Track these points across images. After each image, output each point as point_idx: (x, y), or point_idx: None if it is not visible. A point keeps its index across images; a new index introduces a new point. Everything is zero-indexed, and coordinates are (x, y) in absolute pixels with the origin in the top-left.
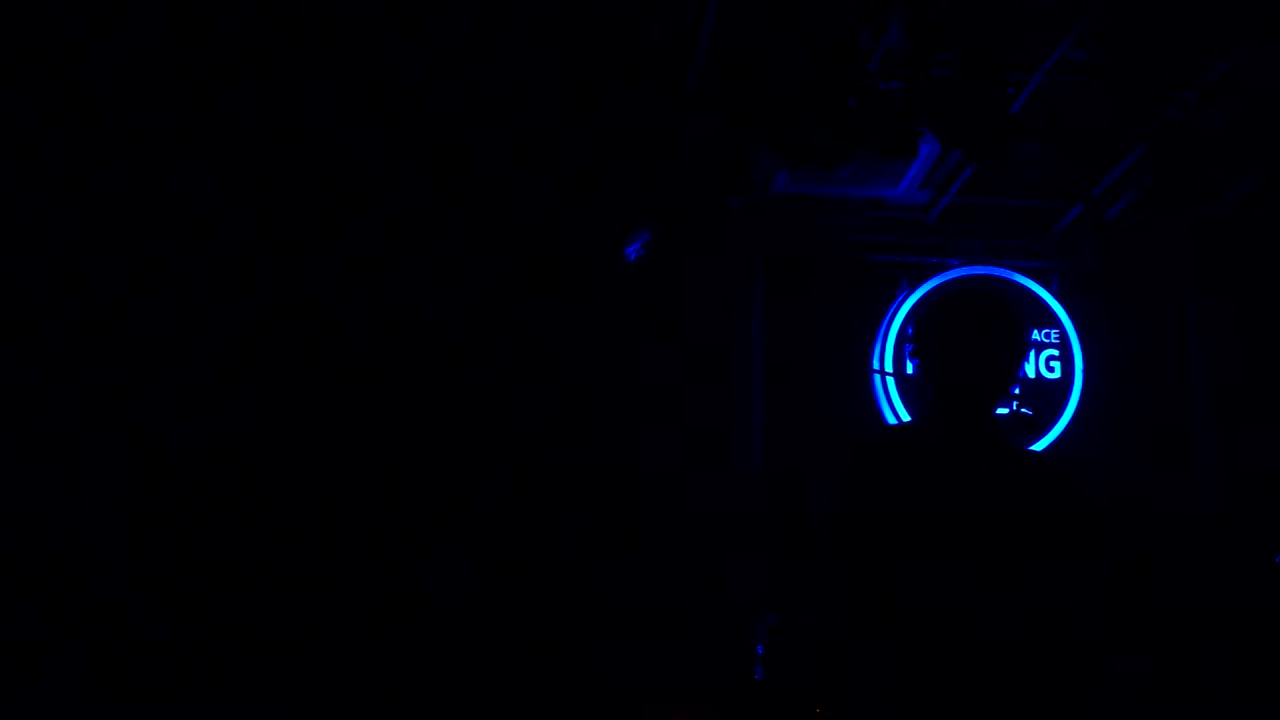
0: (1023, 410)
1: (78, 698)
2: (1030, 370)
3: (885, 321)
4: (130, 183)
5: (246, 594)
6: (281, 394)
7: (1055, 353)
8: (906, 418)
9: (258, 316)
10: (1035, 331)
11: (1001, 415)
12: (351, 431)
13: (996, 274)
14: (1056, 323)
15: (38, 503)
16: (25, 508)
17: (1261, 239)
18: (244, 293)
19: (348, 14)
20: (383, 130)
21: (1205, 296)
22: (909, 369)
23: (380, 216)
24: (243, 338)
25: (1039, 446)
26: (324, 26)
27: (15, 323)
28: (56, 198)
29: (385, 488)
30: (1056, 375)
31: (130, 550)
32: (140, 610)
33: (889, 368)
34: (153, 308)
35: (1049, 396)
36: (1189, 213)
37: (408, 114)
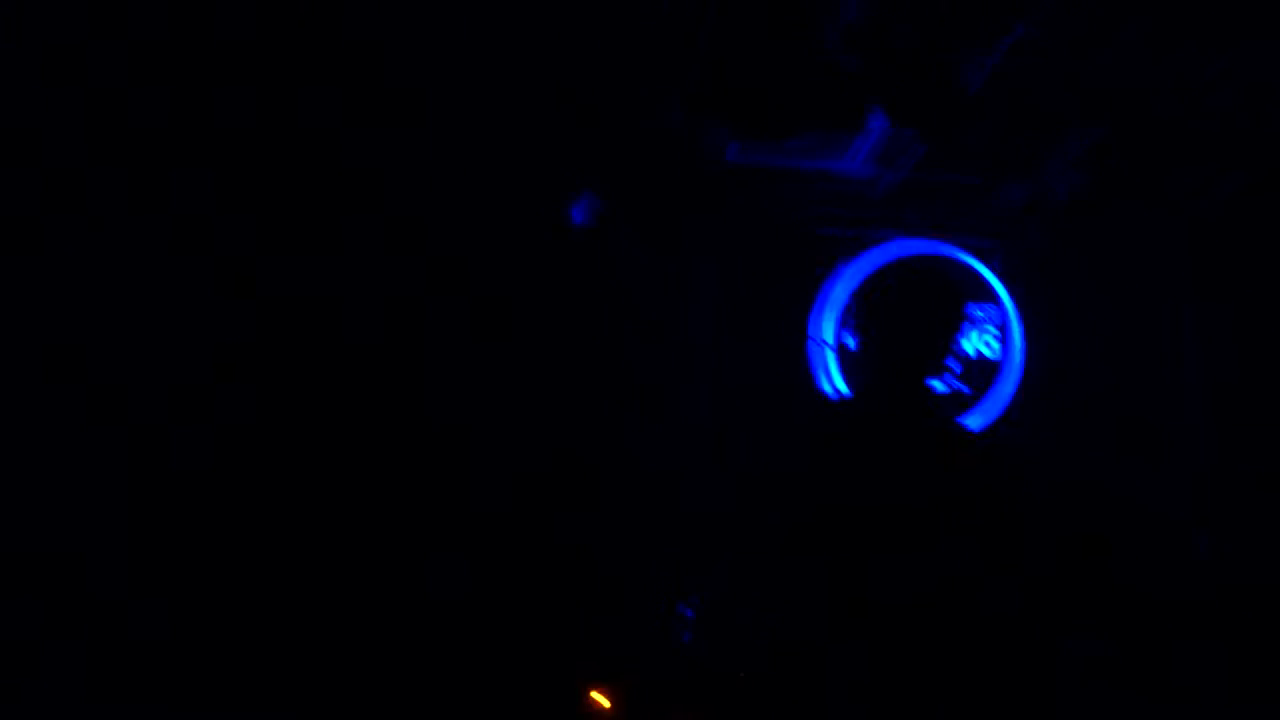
0: (961, 388)
1: (77, 698)
2: (970, 348)
3: (822, 293)
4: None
5: (243, 593)
6: (280, 391)
7: (996, 331)
8: (843, 387)
9: (257, 314)
10: (977, 310)
11: (939, 391)
12: (330, 430)
13: (939, 249)
14: (999, 302)
15: (36, 501)
16: (24, 505)
17: (1222, 227)
18: (243, 292)
19: None
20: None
21: (1151, 280)
22: (850, 342)
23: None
24: (242, 335)
25: (975, 424)
26: None
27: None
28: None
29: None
30: (997, 353)
31: (128, 549)
32: (138, 608)
33: (828, 338)
34: (150, 306)
35: (989, 375)
36: (1137, 197)
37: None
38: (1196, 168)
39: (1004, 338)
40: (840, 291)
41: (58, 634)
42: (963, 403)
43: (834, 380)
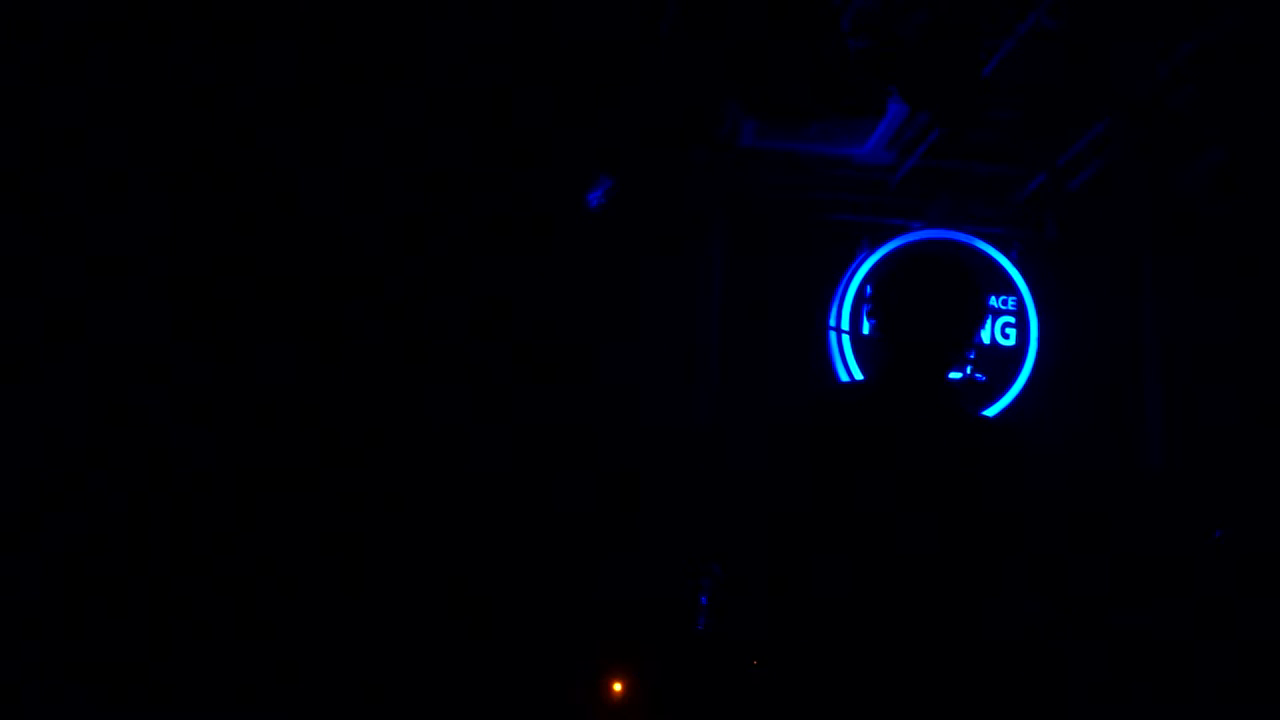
0: (976, 376)
1: (76, 698)
2: (986, 337)
3: (844, 280)
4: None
5: (239, 593)
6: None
7: (1012, 320)
8: (860, 376)
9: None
10: (993, 298)
11: (955, 380)
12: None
13: (957, 239)
14: (1014, 290)
15: (36, 499)
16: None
17: (1222, 216)
18: (242, 288)
19: None
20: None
21: (1163, 272)
22: (865, 328)
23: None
24: (242, 330)
25: (990, 413)
26: None
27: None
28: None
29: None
30: (1012, 343)
31: (127, 548)
32: (136, 609)
33: (845, 326)
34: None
35: (1003, 364)
36: (1152, 187)
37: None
38: (1184, 150)
39: (1019, 326)
40: (860, 280)
41: (55, 632)
42: (978, 390)
43: (849, 365)
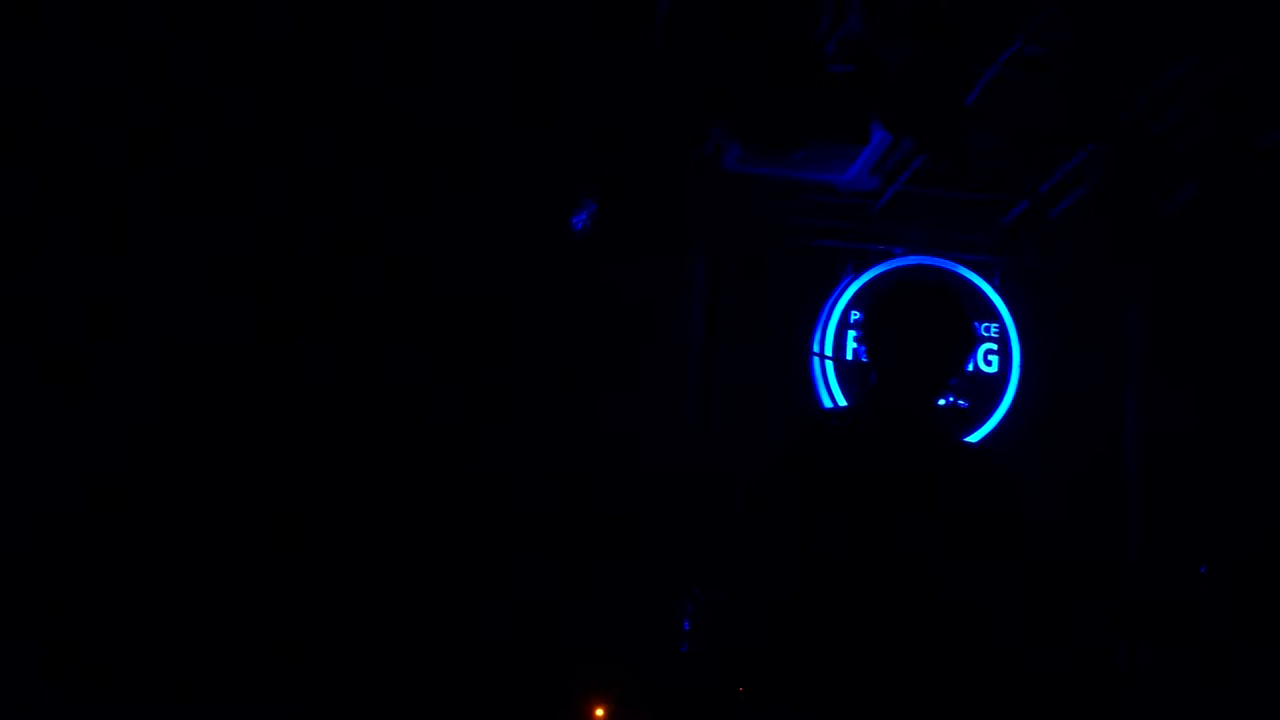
0: (959, 402)
1: (75, 698)
2: (969, 363)
3: (828, 306)
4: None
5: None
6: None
7: (994, 347)
8: (843, 402)
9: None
10: (976, 325)
11: (938, 406)
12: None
13: (940, 265)
14: (997, 317)
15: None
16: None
17: (1204, 244)
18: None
19: None
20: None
21: (1145, 299)
22: (849, 354)
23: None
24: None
25: (974, 438)
26: None
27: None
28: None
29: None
30: (994, 369)
31: (126, 546)
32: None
33: (829, 351)
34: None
35: (986, 390)
36: (1134, 214)
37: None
38: (1166, 178)
39: (1002, 353)
40: (844, 306)
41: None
42: (960, 416)
43: (833, 390)
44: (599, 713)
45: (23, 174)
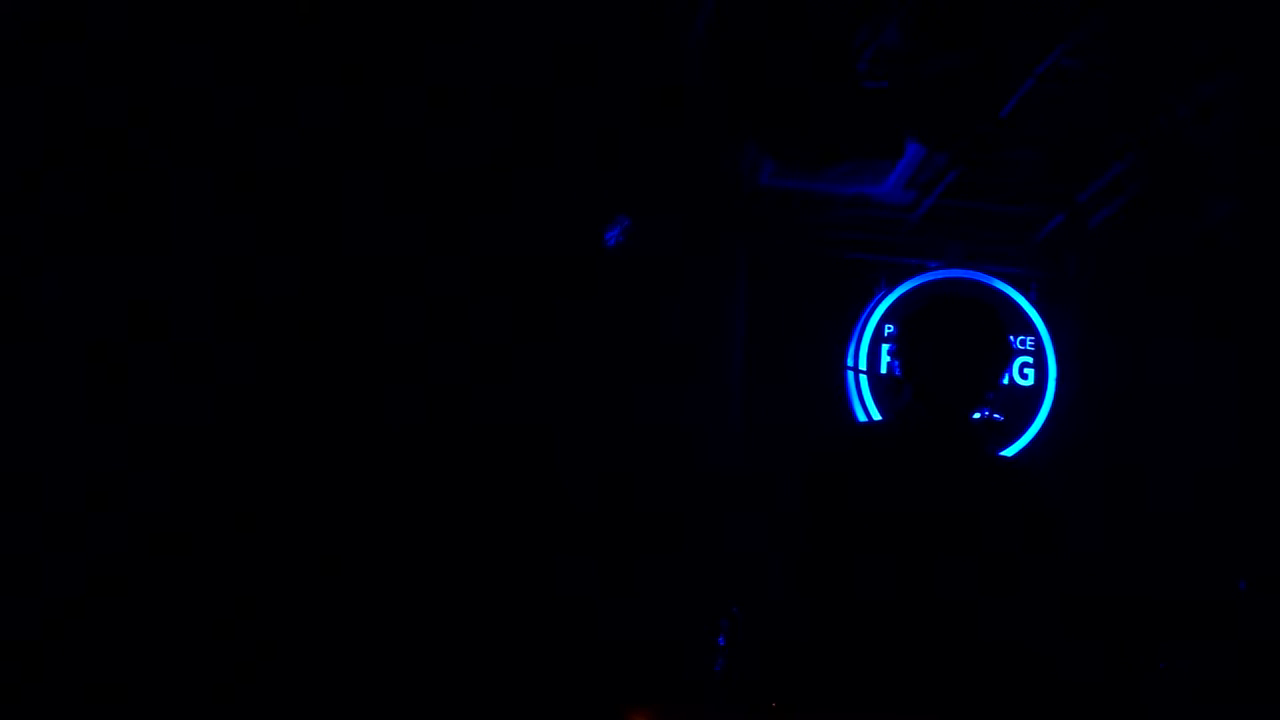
0: (994, 416)
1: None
2: (1004, 377)
3: (862, 320)
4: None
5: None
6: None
7: (1030, 360)
8: (877, 416)
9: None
10: (1012, 339)
11: (973, 420)
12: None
13: (976, 279)
14: (1033, 330)
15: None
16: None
17: (1243, 258)
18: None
19: None
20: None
21: (1183, 311)
22: (883, 368)
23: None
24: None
25: (1009, 453)
26: None
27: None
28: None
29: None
30: (1030, 383)
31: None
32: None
33: (863, 365)
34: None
35: (1021, 404)
36: (1173, 227)
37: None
38: (1206, 193)
39: (1037, 367)
40: (878, 319)
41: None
42: (996, 430)
43: (867, 404)
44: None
45: None
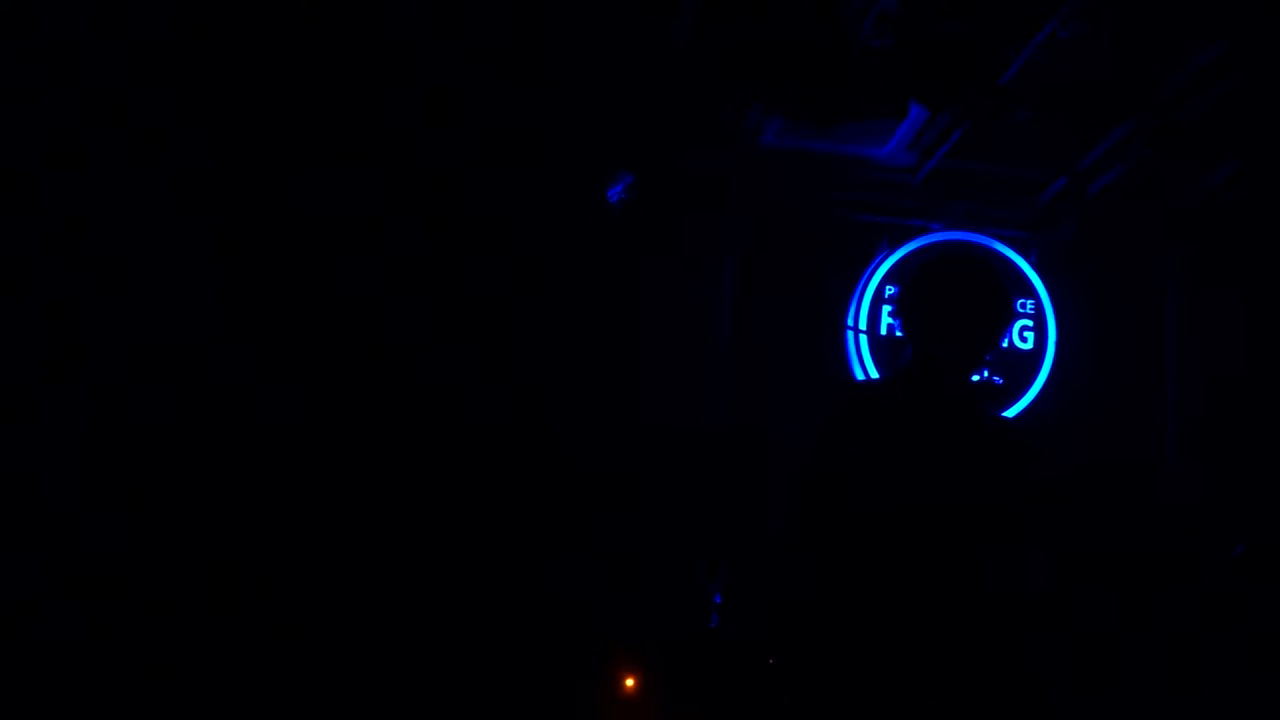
0: (993, 378)
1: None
2: (1004, 339)
3: (863, 280)
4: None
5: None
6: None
7: (1030, 324)
8: (876, 375)
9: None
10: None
11: (973, 381)
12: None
13: (977, 241)
14: (1033, 293)
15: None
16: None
17: (1244, 223)
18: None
19: None
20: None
21: (1184, 276)
22: (883, 328)
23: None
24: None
25: (1009, 414)
26: None
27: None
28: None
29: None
30: (1030, 346)
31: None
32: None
33: (864, 326)
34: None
35: (1021, 366)
36: (1173, 191)
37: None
38: (1206, 154)
39: (1037, 330)
40: (879, 280)
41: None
42: (995, 392)
43: (866, 365)
44: (629, 682)
45: None
